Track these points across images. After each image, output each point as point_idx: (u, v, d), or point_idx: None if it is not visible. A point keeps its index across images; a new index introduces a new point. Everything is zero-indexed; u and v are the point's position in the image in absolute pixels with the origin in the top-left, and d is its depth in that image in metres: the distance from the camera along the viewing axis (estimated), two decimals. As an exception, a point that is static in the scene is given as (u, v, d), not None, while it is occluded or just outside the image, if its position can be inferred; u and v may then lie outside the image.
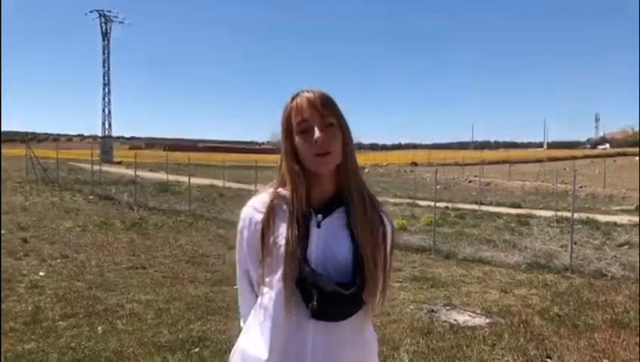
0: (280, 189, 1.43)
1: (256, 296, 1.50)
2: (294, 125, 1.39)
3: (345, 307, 1.33)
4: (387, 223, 1.47)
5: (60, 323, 4.82)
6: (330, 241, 1.38)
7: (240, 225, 1.49)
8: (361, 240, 1.37)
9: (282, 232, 1.37)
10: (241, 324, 1.59)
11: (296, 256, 1.33)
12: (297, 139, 1.38)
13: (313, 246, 1.36)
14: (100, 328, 4.70)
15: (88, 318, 4.97)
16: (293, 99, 1.41)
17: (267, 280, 1.41)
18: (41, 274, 6.72)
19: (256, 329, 1.44)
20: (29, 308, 5.18)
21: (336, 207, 1.41)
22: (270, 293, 1.39)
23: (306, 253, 1.35)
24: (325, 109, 1.37)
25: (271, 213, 1.40)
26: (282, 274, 1.35)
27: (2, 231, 9.40)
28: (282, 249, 1.36)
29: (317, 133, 1.34)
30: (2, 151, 25.32)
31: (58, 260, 7.65)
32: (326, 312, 1.32)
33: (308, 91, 1.40)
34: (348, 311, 1.34)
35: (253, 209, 1.45)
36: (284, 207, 1.40)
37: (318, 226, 1.38)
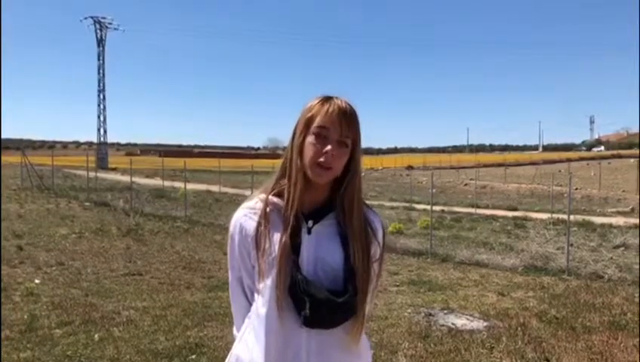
0: (271, 196, 1.43)
1: (250, 303, 1.49)
2: (314, 125, 1.37)
3: (337, 314, 1.33)
4: (378, 229, 1.47)
5: (56, 331, 4.79)
6: (320, 248, 1.37)
7: (231, 230, 1.48)
8: (353, 247, 1.37)
9: (274, 239, 1.37)
10: (234, 332, 1.58)
11: (288, 263, 1.33)
12: (309, 138, 1.37)
13: (304, 253, 1.36)
14: (96, 336, 4.67)
15: (84, 326, 4.94)
16: (325, 101, 1.39)
17: (260, 287, 1.40)
18: (37, 281, 6.68)
19: (251, 337, 1.43)
20: (25, 316, 5.15)
21: (325, 214, 1.40)
22: (263, 300, 1.39)
23: (298, 259, 1.34)
24: (348, 128, 1.36)
25: (263, 219, 1.40)
26: (274, 281, 1.34)
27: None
28: (274, 255, 1.35)
29: (329, 147, 1.33)
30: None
31: (54, 267, 7.61)
32: (318, 320, 1.31)
33: (342, 100, 1.39)
34: (340, 319, 1.34)
35: (244, 214, 1.45)
36: (276, 213, 1.40)
37: (309, 233, 1.38)
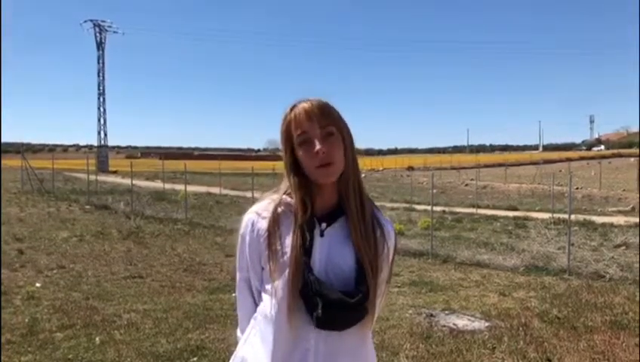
0: (285, 196, 1.42)
1: (256, 304, 1.49)
2: (294, 137, 1.38)
3: (349, 315, 1.32)
4: (389, 231, 1.47)
5: (57, 334, 4.79)
6: (333, 250, 1.37)
7: (242, 230, 1.47)
8: (364, 249, 1.36)
9: (286, 240, 1.37)
10: (238, 333, 1.57)
11: (301, 264, 1.32)
12: (299, 152, 1.37)
13: (316, 255, 1.36)
14: (97, 339, 4.67)
15: (86, 329, 4.94)
16: (291, 110, 1.40)
17: (269, 287, 1.39)
18: (38, 285, 6.68)
19: (257, 338, 1.42)
20: (26, 320, 5.14)
21: (338, 216, 1.40)
22: (272, 301, 1.38)
23: (310, 261, 1.34)
24: (324, 119, 1.36)
25: (275, 220, 1.39)
26: (286, 282, 1.34)
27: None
28: (286, 256, 1.35)
29: (317, 145, 1.33)
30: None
31: (55, 271, 7.62)
32: (330, 321, 1.30)
33: (305, 101, 1.39)
34: (351, 320, 1.33)
35: (257, 214, 1.44)
36: (289, 214, 1.40)
37: (322, 235, 1.38)
